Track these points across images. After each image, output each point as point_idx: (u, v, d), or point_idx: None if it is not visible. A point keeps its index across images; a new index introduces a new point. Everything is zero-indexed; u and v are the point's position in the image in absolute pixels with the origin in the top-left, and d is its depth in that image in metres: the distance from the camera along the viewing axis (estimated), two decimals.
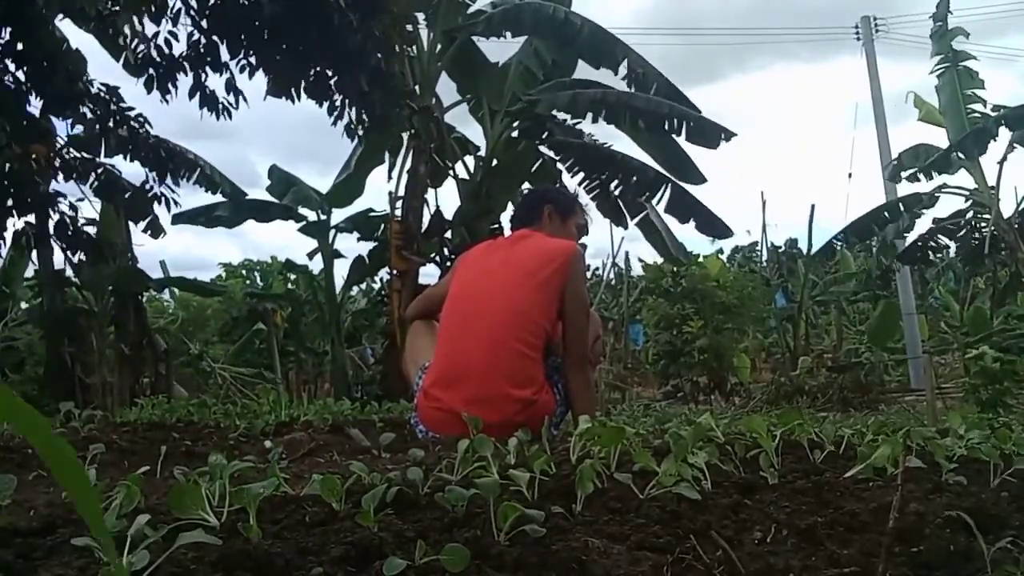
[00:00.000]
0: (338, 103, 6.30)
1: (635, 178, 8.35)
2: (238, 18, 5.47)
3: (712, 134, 7.81)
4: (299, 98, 6.12)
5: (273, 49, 5.75)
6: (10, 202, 5.98)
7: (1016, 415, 5.23)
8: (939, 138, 11.31)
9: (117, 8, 5.15)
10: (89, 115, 6.38)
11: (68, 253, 6.85)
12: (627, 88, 8.08)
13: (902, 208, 11.52)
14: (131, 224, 7.96)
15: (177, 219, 9.25)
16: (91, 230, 6.96)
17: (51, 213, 6.49)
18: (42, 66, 5.71)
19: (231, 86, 5.94)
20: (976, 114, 10.60)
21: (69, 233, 6.53)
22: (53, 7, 4.78)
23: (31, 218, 6.50)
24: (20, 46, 5.65)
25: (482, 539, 0.98)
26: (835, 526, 1.11)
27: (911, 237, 12.24)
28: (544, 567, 0.93)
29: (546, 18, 7.86)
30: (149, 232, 8.00)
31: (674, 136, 7.90)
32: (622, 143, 9.18)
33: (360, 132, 6.68)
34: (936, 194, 11.43)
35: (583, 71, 8.90)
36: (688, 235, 33.11)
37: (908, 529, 1.07)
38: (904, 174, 11.24)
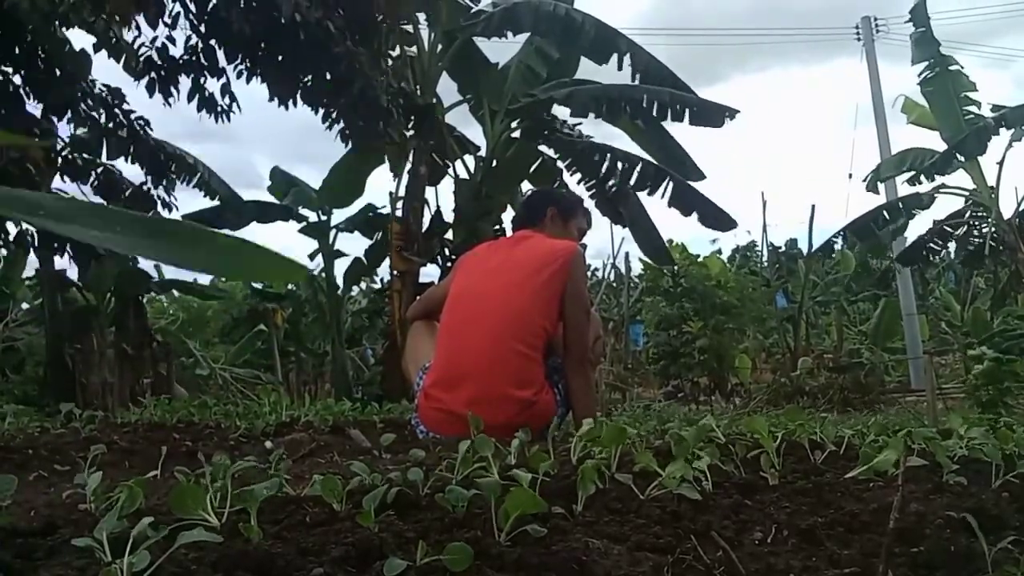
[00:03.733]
0: (333, 112, 6.35)
1: (636, 174, 8.35)
2: (234, 25, 5.49)
3: (715, 114, 7.83)
4: (295, 104, 6.16)
5: (268, 57, 5.79)
6: None
7: (1017, 415, 5.22)
8: (933, 141, 11.31)
9: (104, 17, 5.16)
10: (90, 116, 6.38)
11: (67, 250, 6.77)
12: (632, 84, 8.06)
13: (902, 208, 11.53)
14: None
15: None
16: None
17: None
18: (40, 68, 5.71)
19: (226, 90, 5.98)
20: (971, 115, 10.59)
21: None
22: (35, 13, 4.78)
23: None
24: (17, 49, 5.65)
25: (483, 539, 0.98)
26: (835, 527, 1.11)
27: (910, 238, 12.25)
28: (545, 567, 0.93)
29: (546, 15, 7.83)
30: None
31: (677, 123, 7.88)
32: (621, 142, 9.16)
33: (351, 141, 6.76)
34: (935, 194, 11.43)
35: (588, 71, 8.88)
36: (689, 235, 33.10)
37: (909, 530, 1.07)
38: (896, 179, 11.26)
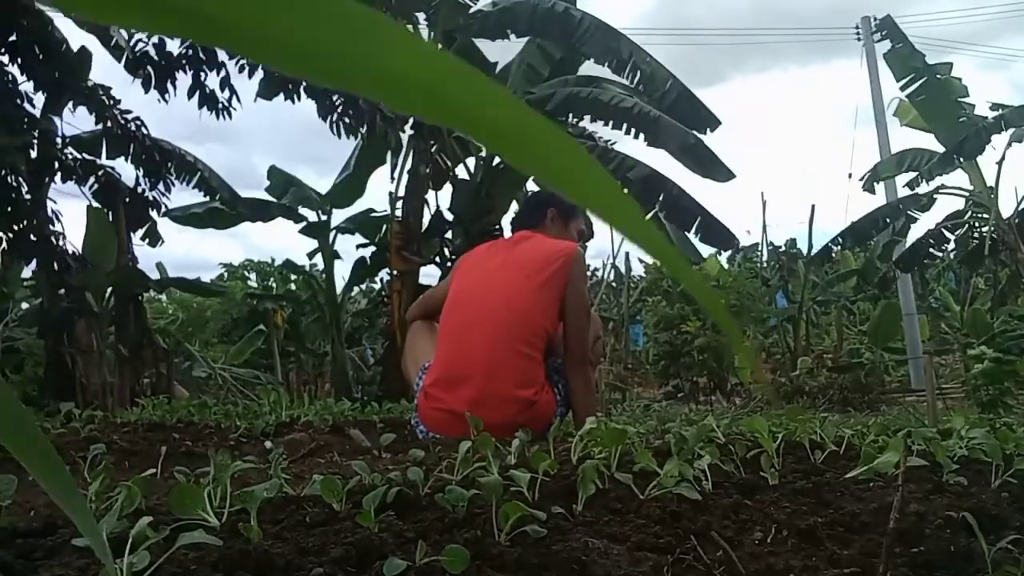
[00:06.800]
0: (339, 104, 6.31)
1: (632, 180, 8.28)
2: None
3: (701, 118, 7.64)
4: (299, 97, 6.13)
5: None
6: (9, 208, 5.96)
7: (1017, 415, 5.22)
8: (931, 142, 11.28)
9: None
10: (87, 114, 6.38)
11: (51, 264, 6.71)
12: (634, 85, 8.01)
13: (901, 209, 11.52)
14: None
15: (167, 213, 9.18)
16: (63, 239, 6.80)
17: (50, 219, 6.41)
18: (38, 62, 5.68)
19: (226, 84, 5.95)
20: (967, 118, 10.56)
21: (33, 241, 6.38)
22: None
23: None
24: (16, 43, 5.62)
25: (483, 539, 0.98)
26: (835, 526, 1.11)
27: (908, 241, 12.23)
28: (545, 567, 0.93)
29: (544, 13, 7.80)
30: (147, 241, 8.00)
31: (688, 129, 7.73)
32: (629, 144, 9.13)
33: (362, 131, 6.70)
34: (935, 195, 11.42)
35: (594, 68, 8.82)
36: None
37: (909, 530, 1.07)
38: (896, 180, 11.23)
